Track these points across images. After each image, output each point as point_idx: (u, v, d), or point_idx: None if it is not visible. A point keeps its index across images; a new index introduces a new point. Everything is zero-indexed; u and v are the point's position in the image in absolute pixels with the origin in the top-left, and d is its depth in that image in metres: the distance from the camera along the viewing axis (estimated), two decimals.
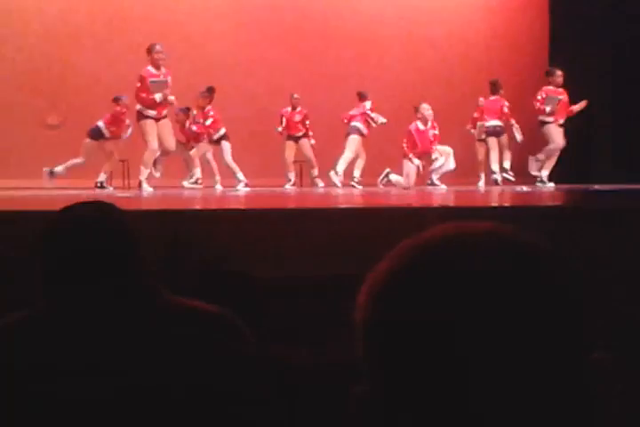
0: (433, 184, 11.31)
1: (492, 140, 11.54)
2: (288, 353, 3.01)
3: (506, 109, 11.55)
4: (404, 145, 11.18)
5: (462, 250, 0.72)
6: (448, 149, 11.34)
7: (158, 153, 9.95)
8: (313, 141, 11.90)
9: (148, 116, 9.83)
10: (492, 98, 11.65)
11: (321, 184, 11.66)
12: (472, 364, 0.68)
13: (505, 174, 11.55)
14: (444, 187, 11.07)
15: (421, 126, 11.16)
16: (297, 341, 3.21)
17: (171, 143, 10.02)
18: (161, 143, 9.89)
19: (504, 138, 11.59)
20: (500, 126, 11.58)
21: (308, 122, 11.95)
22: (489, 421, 0.68)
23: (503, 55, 14.54)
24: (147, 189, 9.92)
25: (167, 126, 10.04)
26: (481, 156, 11.91)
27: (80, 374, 1.54)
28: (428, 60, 13.93)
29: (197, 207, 5.60)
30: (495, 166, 11.52)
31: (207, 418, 1.57)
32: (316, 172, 11.82)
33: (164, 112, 9.97)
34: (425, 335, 0.69)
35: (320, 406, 2.83)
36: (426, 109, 11.16)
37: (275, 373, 2.02)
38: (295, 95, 11.78)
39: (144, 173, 10.01)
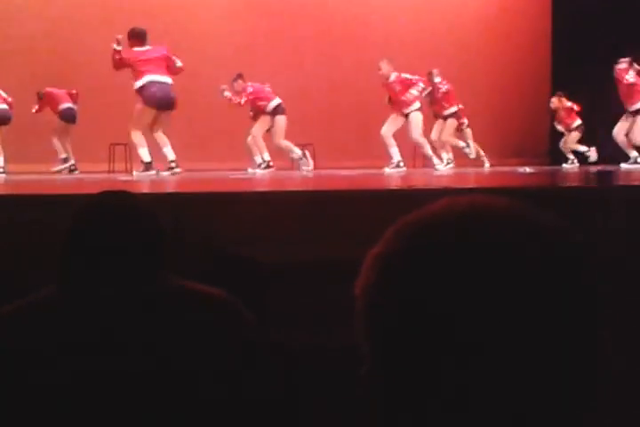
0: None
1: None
2: (289, 337, 3.02)
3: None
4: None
5: (485, 226, 0.69)
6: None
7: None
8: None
9: None
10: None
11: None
12: (481, 344, 0.66)
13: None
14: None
15: None
16: (298, 325, 3.22)
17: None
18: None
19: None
20: None
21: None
22: (490, 404, 0.66)
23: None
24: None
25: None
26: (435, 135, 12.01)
27: (91, 354, 1.56)
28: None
29: (201, 190, 5.59)
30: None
31: (208, 400, 1.59)
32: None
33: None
34: (435, 314, 0.67)
35: (321, 388, 2.85)
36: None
37: (276, 356, 2.04)
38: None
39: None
